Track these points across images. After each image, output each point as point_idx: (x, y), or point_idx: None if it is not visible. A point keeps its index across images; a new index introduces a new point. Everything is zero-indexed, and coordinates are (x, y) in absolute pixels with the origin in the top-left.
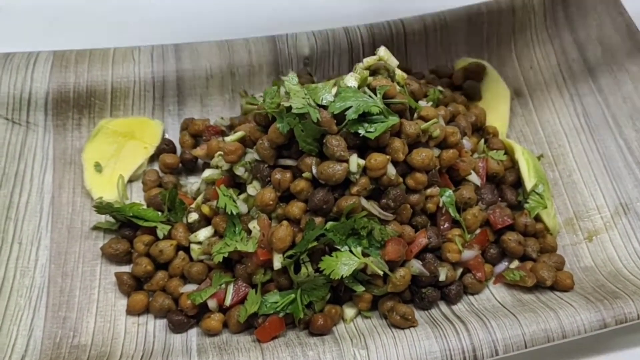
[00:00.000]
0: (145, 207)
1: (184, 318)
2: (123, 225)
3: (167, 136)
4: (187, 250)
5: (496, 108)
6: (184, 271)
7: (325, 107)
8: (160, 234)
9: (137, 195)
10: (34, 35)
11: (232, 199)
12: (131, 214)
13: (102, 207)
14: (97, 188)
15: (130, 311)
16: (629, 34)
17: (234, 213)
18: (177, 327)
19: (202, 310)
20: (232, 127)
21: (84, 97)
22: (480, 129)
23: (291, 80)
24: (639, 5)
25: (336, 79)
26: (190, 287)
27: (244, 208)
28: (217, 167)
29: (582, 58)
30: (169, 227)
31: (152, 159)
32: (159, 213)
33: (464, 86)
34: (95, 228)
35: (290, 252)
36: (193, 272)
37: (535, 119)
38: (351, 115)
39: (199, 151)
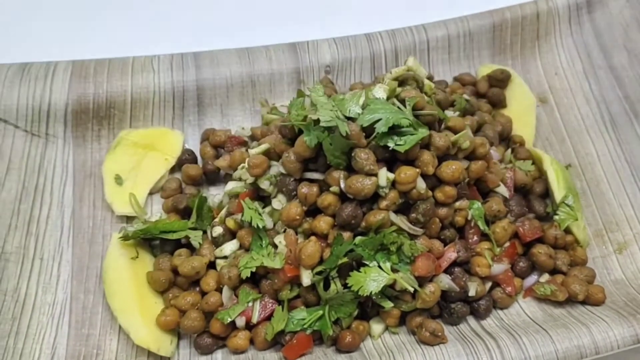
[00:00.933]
0: (166, 218)
1: (211, 341)
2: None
3: (187, 147)
4: (211, 265)
5: (522, 116)
6: (222, 280)
7: (353, 120)
8: (195, 244)
9: (157, 208)
10: (52, 44)
11: (258, 212)
12: (158, 232)
13: (128, 237)
14: (118, 201)
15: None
16: None
17: (260, 226)
18: (204, 351)
19: (229, 327)
20: (253, 138)
21: (104, 108)
22: (506, 138)
23: (317, 91)
24: None
25: (364, 88)
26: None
27: (269, 222)
28: (240, 179)
29: (608, 64)
30: (200, 233)
31: (173, 170)
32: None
33: (488, 94)
34: (126, 237)
35: (319, 268)
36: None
37: (562, 127)
38: (381, 128)
39: (222, 162)
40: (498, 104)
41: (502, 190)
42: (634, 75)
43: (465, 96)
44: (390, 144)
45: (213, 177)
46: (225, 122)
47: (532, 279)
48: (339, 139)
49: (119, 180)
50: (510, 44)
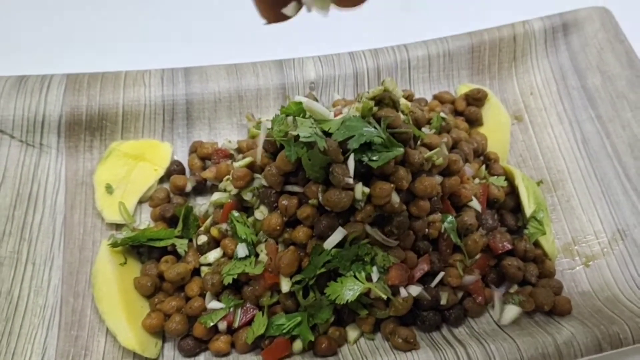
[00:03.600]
0: (154, 227)
1: (194, 344)
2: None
3: (175, 158)
4: (196, 271)
5: (497, 134)
6: (205, 286)
7: (330, 135)
8: (180, 251)
9: (146, 216)
10: (47, 57)
11: (247, 225)
12: (145, 239)
13: (117, 244)
14: (108, 209)
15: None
16: (628, 62)
17: (254, 242)
18: (187, 353)
19: (211, 331)
20: (240, 150)
21: (96, 119)
22: (481, 155)
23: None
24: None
25: (346, 105)
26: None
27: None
28: (225, 190)
29: (582, 85)
30: (186, 241)
31: (162, 180)
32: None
33: (465, 112)
34: (114, 244)
35: (298, 278)
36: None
37: (535, 145)
38: (353, 144)
39: (208, 173)
40: (475, 121)
41: (475, 204)
42: (607, 96)
43: (442, 114)
44: (364, 159)
45: (200, 188)
46: (212, 135)
47: (502, 289)
48: (317, 154)
49: (109, 189)
50: (488, 64)
